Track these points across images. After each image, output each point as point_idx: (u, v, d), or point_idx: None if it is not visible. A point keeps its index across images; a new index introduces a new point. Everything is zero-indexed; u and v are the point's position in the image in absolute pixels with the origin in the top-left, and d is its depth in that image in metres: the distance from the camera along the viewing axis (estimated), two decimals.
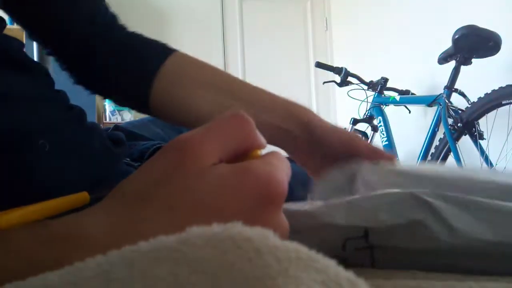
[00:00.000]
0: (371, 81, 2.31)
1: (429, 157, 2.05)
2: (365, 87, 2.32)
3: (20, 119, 0.35)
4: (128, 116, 2.92)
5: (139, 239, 0.19)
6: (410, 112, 2.33)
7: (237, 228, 0.14)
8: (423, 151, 2.10)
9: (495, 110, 1.71)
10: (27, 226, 0.20)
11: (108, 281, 0.12)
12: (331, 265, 0.13)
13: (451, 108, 1.91)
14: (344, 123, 2.53)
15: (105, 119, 2.90)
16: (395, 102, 2.24)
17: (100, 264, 0.13)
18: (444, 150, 1.95)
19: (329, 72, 2.43)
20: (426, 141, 2.09)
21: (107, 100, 2.84)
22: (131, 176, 0.22)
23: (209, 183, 0.21)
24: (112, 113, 2.92)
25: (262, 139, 0.24)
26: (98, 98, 2.91)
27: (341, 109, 3.27)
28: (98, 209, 0.21)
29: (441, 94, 1.96)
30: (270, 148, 0.27)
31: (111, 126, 0.60)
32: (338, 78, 2.34)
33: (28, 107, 0.37)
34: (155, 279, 0.12)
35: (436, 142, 2.04)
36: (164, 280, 0.12)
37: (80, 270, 0.13)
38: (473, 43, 1.83)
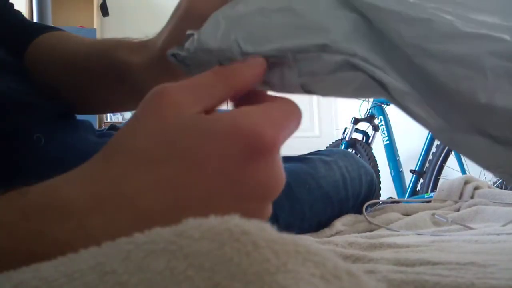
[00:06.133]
0: None
1: (430, 156, 2.05)
2: None
3: (15, 113, 0.36)
4: (129, 115, 2.92)
5: (121, 202, 0.18)
6: None
7: (235, 220, 0.13)
8: (424, 150, 2.09)
9: None
10: (4, 197, 0.18)
11: (103, 274, 0.12)
12: (329, 257, 0.12)
13: None
14: (345, 122, 2.53)
15: (106, 119, 2.90)
16: None
17: (95, 256, 0.13)
18: (446, 149, 1.94)
19: None
20: (427, 140, 2.08)
21: None
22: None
23: (189, 135, 0.19)
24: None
25: (250, 75, 0.23)
26: None
27: (342, 108, 3.27)
28: (76, 171, 0.20)
29: None
30: None
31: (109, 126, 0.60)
32: None
33: (21, 101, 0.37)
34: (151, 273, 0.12)
35: (437, 141, 2.03)
36: (160, 274, 0.12)
37: (74, 262, 0.12)
38: None
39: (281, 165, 0.21)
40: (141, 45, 0.37)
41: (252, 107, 0.21)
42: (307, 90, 0.26)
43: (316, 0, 0.25)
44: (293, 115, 0.23)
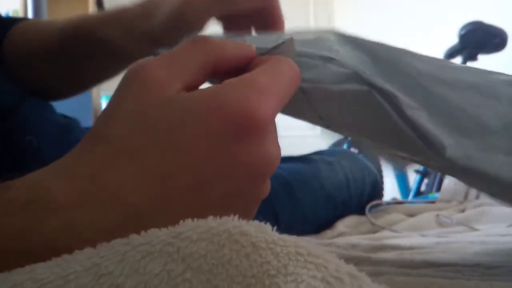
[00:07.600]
0: None
1: None
2: None
3: (4, 117, 0.35)
4: None
5: (105, 196, 0.17)
6: None
7: (233, 221, 0.13)
8: None
9: None
10: None
11: (98, 276, 0.12)
12: (331, 260, 0.12)
13: None
14: None
15: None
16: None
17: (90, 257, 0.12)
18: None
19: None
20: None
21: (103, 97, 2.85)
22: None
23: (170, 118, 0.18)
24: None
25: (239, 49, 0.21)
26: (94, 96, 2.92)
27: None
28: (60, 162, 0.19)
29: None
30: None
31: None
32: None
33: (10, 104, 0.37)
34: (147, 275, 0.12)
35: None
36: (157, 277, 0.12)
37: (69, 263, 0.12)
38: (479, 39, 1.82)
39: (275, 137, 0.20)
40: (115, 18, 0.38)
41: (236, 79, 0.18)
42: (306, 99, 0.27)
43: (334, 37, 0.27)
44: (286, 76, 0.20)
